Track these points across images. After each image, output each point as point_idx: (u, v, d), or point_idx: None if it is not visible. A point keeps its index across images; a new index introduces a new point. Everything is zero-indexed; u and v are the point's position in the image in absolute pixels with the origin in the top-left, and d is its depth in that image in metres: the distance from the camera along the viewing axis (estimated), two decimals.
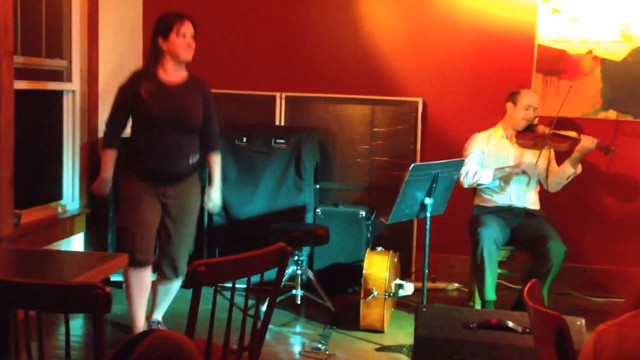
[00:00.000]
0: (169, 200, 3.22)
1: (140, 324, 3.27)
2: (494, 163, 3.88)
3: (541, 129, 3.88)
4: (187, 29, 3.15)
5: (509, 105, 3.92)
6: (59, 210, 4.04)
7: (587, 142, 3.76)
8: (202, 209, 4.19)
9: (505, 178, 3.85)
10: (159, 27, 3.16)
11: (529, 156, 3.89)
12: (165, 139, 3.15)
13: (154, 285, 3.37)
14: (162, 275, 3.33)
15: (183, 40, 3.13)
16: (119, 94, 3.24)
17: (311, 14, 4.59)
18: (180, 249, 3.29)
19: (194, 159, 3.26)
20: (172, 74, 3.18)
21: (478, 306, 3.68)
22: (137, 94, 3.14)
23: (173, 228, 3.26)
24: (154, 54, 3.18)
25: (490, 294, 3.60)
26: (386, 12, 4.50)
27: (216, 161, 3.38)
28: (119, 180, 3.30)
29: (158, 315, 3.42)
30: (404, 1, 4.49)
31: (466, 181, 3.77)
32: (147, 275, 3.26)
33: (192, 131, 3.22)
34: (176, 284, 3.38)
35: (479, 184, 3.82)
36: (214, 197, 3.39)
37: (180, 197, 3.24)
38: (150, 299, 3.37)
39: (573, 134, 3.86)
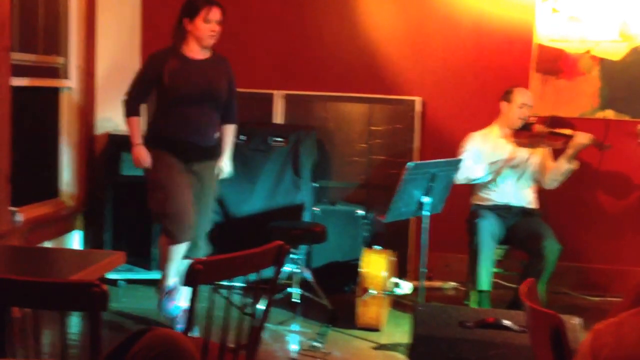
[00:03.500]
0: (193, 176, 3.33)
1: (174, 283, 3.39)
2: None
3: (537, 127, 3.89)
4: (215, 15, 3.25)
5: (503, 104, 3.92)
6: (56, 207, 4.03)
7: (582, 138, 3.76)
8: None
9: (498, 173, 3.83)
10: (187, 8, 3.27)
11: (525, 154, 3.89)
12: (192, 112, 3.27)
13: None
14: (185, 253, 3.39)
15: (208, 26, 3.24)
16: (145, 65, 3.38)
17: (310, 12, 4.58)
18: (203, 227, 3.40)
19: (216, 134, 3.40)
20: (197, 53, 3.31)
21: (474, 305, 3.68)
22: (162, 69, 3.25)
23: (195, 206, 3.33)
24: (179, 33, 3.28)
25: (485, 284, 3.60)
26: (385, 11, 4.50)
27: (230, 133, 3.52)
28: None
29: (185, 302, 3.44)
30: (403, 0, 4.49)
31: (459, 176, 3.75)
32: (185, 248, 3.37)
33: (216, 104, 3.35)
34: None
35: (472, 179, 3.80)
36: (226, 166, 3.49)
37: (203, 176, 3.37)
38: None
39: (568, 131, 3.87)
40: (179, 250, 3.35)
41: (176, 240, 3.29)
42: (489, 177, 3.84)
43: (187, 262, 3.35)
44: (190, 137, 3.28)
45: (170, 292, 3.41)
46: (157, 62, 3.29)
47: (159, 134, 3.32)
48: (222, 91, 3.35)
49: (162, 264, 3.43)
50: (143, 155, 3.29)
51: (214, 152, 3.41)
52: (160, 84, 3.27)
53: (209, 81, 3.30)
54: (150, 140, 3.33)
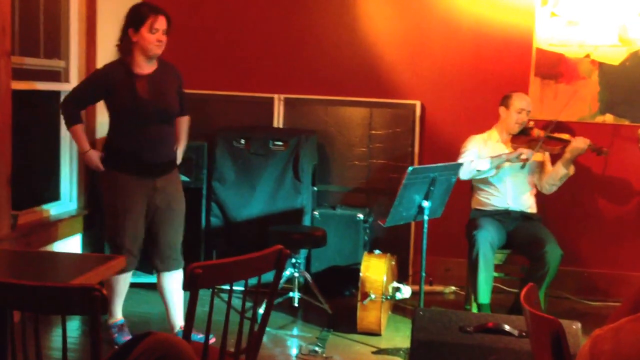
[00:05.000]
0: (158, 193, 3.25)
1: (121, 315, 3.37)
2: None
3: (536, 132, 3.90)
4: (161, 24, 3.13)
5: (502, 109, 3.93)
6: (56, 211, 4.03)
7: (579, 142, 3.77)
8: (199, 212, 4.21)
9: (500, 167, 3.81)
10: (131, 18, 3.15)
11: (529, 153, 3.89)
12: (153, 131, 3.18)
13: (160, 289, 3.37)
14: (161, 269, 3.32)
15: (154, 36, 3.11)
16: (93, 78, 3.25)
17: (310, 16, 4.59)
18: (176, 237, 3.34)
19: (174, 146, 3.34)
20: (145, 66, 3.19)
21: (475, 310, 3.68)
22: (111, 86, 3.15)
23: (166, 220, 3.28)
24: (124, 45, 3.17)
25: (483, 297, 3.60)
26: (385, 15, 4.51)
27: (185, 123, 3.43)
28: (100, 183, 3.31)
29: (181, 321, 3.37)
30: (402, 4, 4.50)
31: (463, 171, 3.72)
32: (129, 275, 3.36)
33: (171, 118, 3.28)
34: (180, 276, 3.36)
35: (477, 173, 3.77)
36: (181, 148, 3.43)
37: (169, 189, 3.28)
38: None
39: (566, 136, 3.88)
40: (123, 282, 3.30)
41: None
42: (492, 172, 3.80)
43: (169, 275, 3.34)
44: (151, 155, 3.18)
45: (121, 327, 3.34)
46: (105, 79, 3.16)
47: (117, 154, 3.21)
48: (175, 104, 3.27)
49: (109, 298, 3.32)
50: (96, 161, 3.21)
51: (174, 164, 3.35)
52: (113, 103, 3.17)
53: (162, 97, 3.20)
54: (108, 161, 3.23)
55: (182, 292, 3.39)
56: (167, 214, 3.28)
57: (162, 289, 3.37)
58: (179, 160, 3.42)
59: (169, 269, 3.32)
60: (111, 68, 3.22)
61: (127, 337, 3.28)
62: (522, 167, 3.82)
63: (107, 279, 3.31)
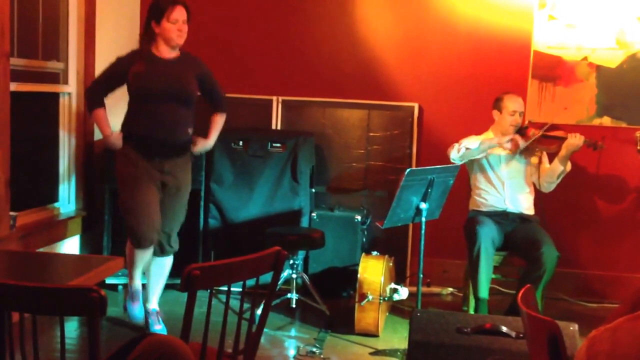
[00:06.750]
0: (166, 176, 3.35)
1: (139, 285, 3.49)
2: (486, 167, 3.91)
3: (531, 132, 3.91)
4: (179, 14, 3.28)
5: (495, 112, 3.94)
6: (55, 212, 4.03)
7: (575, 139, 3.78)
8: (197, 213, 4.21)
9: (488, 151, 3.82)
10: (153, 12, 3.32)
11: (521, 159, 3.92)
12: (160, 109, 3.29)
13: (146, 270, 3.49)
14: (154, 253, 3.45)
15: (174, 26, 3.27)
16: (114, 64, 3.39)
17: (308, 19, 4.60)
18: (175, 224, 3.45)
19: (188, 130, 3.41)
20: (165, 53, 3.35)
21: (472, 311, 3.69)
22: (128, 69, 3.29)
23: (169, 204, 3.39)
24: (147, 36, 3.33)
25: (483, 292, 3.60)
26: (383, 18, 4.52)
27: (219, 121, 3.57)
28: (115, 159, 3.41)
29: (155, 304, 3.50)
30: (400, 7, 4.51)
31: (452, 151, 3.73)
32: (150, 252, 3.43)
33: (184, 102, 3.35)
34: (169, 261, 3.52)
35: (466, 149, 3.73)
36: (207, 143, 3.54)
37: (176, 173, 3.38)
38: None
39: (562, 133, 3.90)
40: (143, 255, 3.38)
41: (138, 246, 3.31)
42: (480, 154, 3.80)
43: (160, 259, 3.47)
44: (158, 134, 3.28)
45: (133, 295, 3.48)
46: (124, 63, 3.33)
47: (128, 132, 3.34)
48: (188, 89, 3.35)
49: (128, 267, 3.44)
50: (116, 145, 3.34)
51: (185, 149, 3.42)
52: (127, 84, 3.33)
53: (175, 79, 3.31)
54: (123, 135, 3.36)
55: (166, 277, 3.54)
56: (170, 199, 3.39)
57: (148, 270, 3.48)
58: (204, 146, 3.54)
59: (159, 254, 3.45)
60: (133, 52, 3.38)
61: (136, 304, 3.48)
62: (514, 153, 3.82)
63: (128, 251, 3.39)
